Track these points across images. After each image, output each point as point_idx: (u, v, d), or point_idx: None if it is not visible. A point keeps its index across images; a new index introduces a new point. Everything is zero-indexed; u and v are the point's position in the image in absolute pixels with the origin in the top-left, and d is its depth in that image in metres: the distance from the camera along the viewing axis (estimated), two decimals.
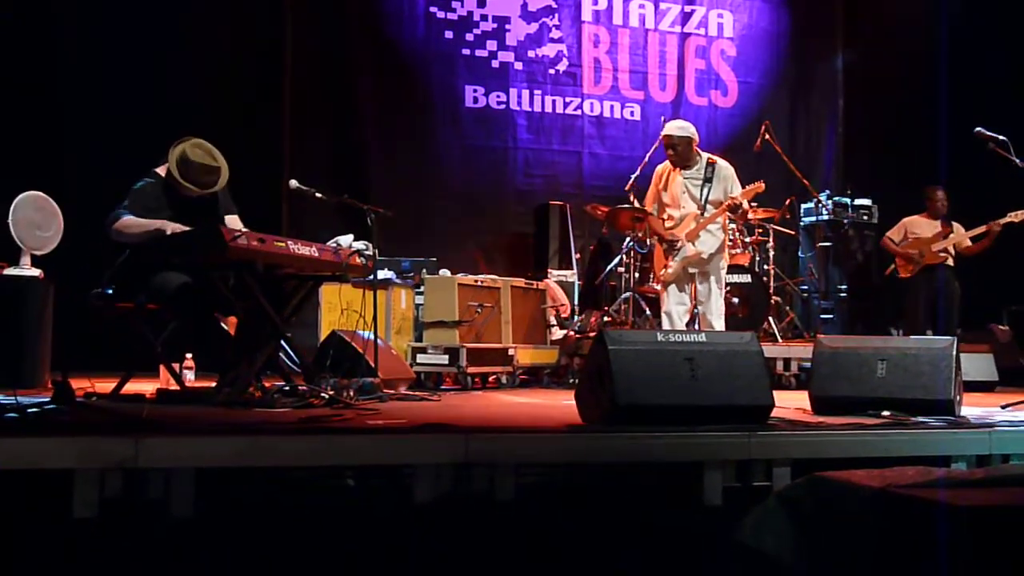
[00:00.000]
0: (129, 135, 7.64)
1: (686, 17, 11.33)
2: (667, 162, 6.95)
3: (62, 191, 6.75)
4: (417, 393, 5.96)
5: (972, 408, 5.06)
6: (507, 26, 10.61)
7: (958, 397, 4.73)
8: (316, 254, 5.15)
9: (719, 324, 6.77)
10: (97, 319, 5.21)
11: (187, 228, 4.90)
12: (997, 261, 8.63)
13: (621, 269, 8.61)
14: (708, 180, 6.81)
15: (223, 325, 5.54)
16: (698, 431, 3.91)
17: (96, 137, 8.29)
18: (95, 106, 8.50)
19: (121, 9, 8.73)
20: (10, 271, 6.17)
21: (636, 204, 7.95)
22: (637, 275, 8.30)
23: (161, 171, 5.25)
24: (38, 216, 6.34)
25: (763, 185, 6.87)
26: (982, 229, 8.39)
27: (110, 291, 5.19)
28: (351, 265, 5.38)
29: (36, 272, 6.23)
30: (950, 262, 8.64)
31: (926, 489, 2.84)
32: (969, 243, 8.54)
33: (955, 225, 8.67)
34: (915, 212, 8.92)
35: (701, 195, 6.81)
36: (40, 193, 6.40)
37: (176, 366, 5.57)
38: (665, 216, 6.95)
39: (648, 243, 8.11)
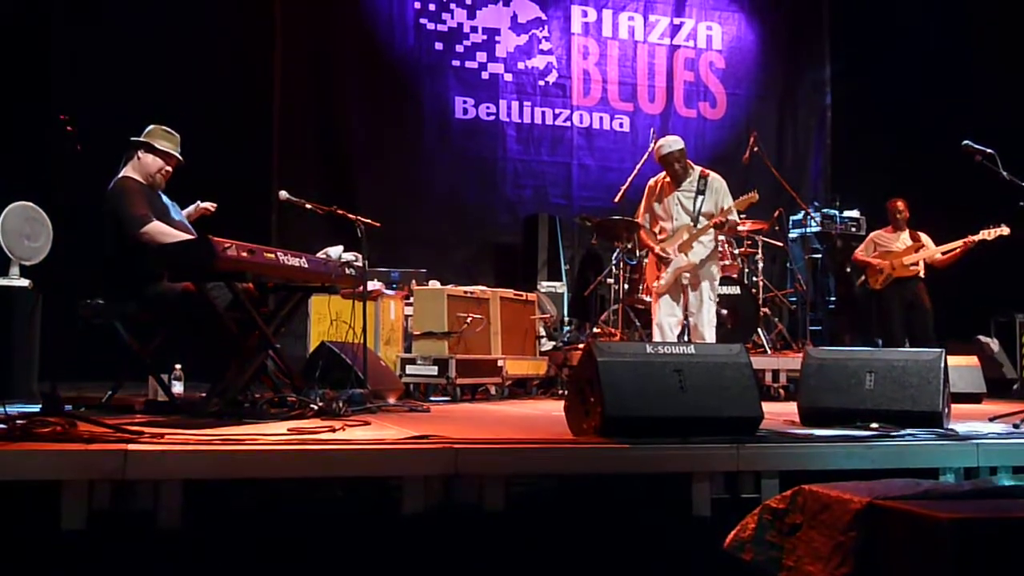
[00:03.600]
0: (118, 146, 7.62)
1: (675, 29, 11.39)
2: (660, 174, 7.02)
3: (51, 201, 6.73)
4: (406, 404, 5.95)
5: (960, 420, 5.07)
6: (497, 38, 10.65)
7: (946, 409, 4.75)
8: (306, 265, 5.14)
9: (710, 334, 6.79)
10: (86, 329, 5.19)
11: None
12: (983, 272, 8.66)
13: (610, 280, 8.63)
14: (701, 192, 6.86)
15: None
16: (687, 443, 3.92)
17: (85, 146, 8.26)
18: (84, 115, 8.47)
19: (113, 22, 8.74)
20: None
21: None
22: (626, 286, 8.32)
23: (131, 174, 5.28)
24: (27, 226, 6.32)
25: (756, 195, 6.92)
26: (955, 245, 8.43)
27: (100, 301, 5.18)
28: (341, 276, 5.38)
29: (25, 282, 6.21)
30: (921, 274, 8.68)
31: (913, 501, 2.85)
32: (940, 256, 8.59)
33: (924, 237, 8.72)
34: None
35: (694, 207, 6.85)
36: (29, 203, 6.38)
37: (165, 377, 5.55)
38: (658, 229, 6.99)
39: (637, 254, 8.13)
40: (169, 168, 5.37)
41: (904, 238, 8.76)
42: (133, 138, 5.36)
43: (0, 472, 3.21)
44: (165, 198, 5.48)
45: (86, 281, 5.30)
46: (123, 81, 8.61)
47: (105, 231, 5.14)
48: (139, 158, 5.33)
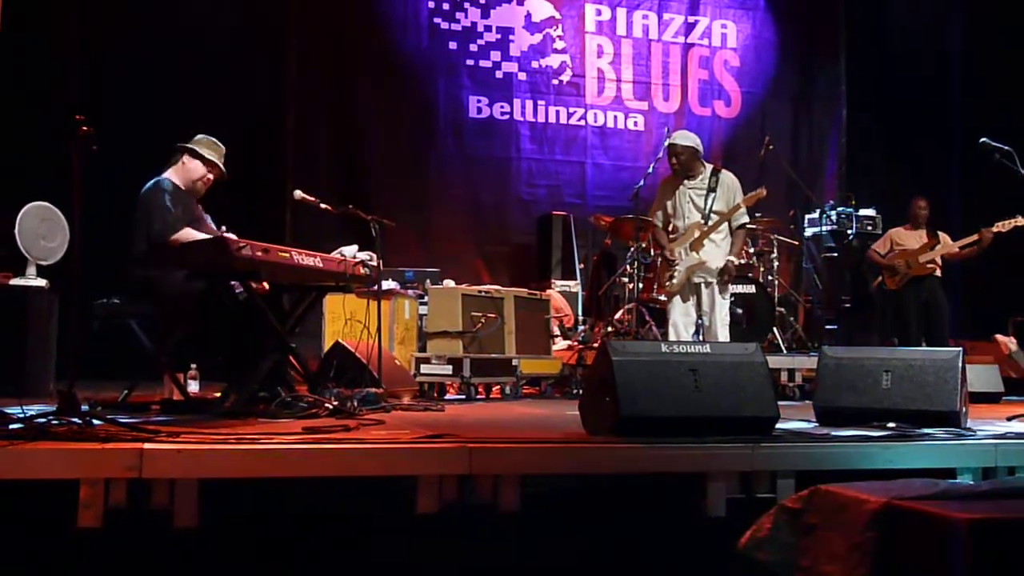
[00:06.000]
0: (133, 145, 7.65)
1: (689, 28, 11.36)
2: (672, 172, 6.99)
3: (68, 201, 6.75)
4: (421, 403, 5.96)
5: (978, 420, 5.04)
6: (511, 37, 10.64)
7: (964, 409, 4.71)
8: (320, 264, 5.15)
9: (723, 334, 6.77)
10: (103, 329, 5.21)
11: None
12: (1002, 271, 8.62)
13: (624, 279, 8.61)
14: (712, 190, 6.83)
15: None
16: (702, 442, 3.91)
17: (101, 146, 8.29)
18: (100, 115, 8.49)
19: (128, 21, 8.77)
20: (15, 281, 6.18)
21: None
22: (640, 285, 8.30)
23: (172, 177, 5.31)
24: (43, 227, 6.35)
25: (764, 191, 6.89)
26: (971, 239, 8.39)
27: (116, 301, 5.20)
28: (355, 275, 5.38)
29: (41, 282, 6.24)
30: (938, 273, 8.62)
31: (931, 502, 2.84)
32: (957, 250, 8.54)
33: (942, 235, 8.66)
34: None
35: (705, 205, 6.82)
36: (46, 203, 6.41)
37: (180, 376, 5.57)
38: (671, 227, 6.97)
39: (651, 253, 8.12)
40: (211, 177, 5.41)
41: (921, 236, 8.71)
42: (180, 143, 5.37)
43: (17, 471, 3.23)
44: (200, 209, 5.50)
45: (103, 281, 5.32)
46: (139, 81, 8.64)
47: (135, 229, 5.17)
48: (184, 163, 5.38)
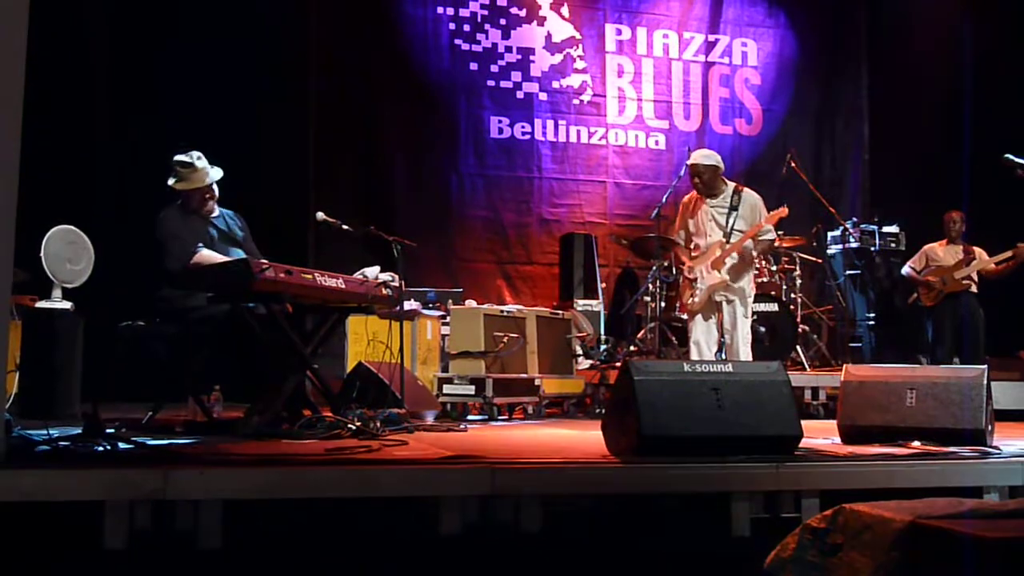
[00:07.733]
0: (158, 168, 7.72)
1: (710, 46, 11.36)
2: (694, 191, 6.98)
3: (93, 224, 6.82)
4: (443, 424, 5.96)
5: (1004, 438, 5.00)
6: (531, 57, 10.68)
7: (989, 427, 4.68)
8: (343, 286, 5.18)
9: (745, 352, 6.74)
10: (127, 351, 5.25)
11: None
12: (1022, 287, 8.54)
13: (647, 298, 8.61)
14: (734, 208, 6.82)
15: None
16: (725, 462, 3.90)
17: (127, 170, 8.38)
18: (126, 139, 8.60)
19: (152, 45, 8.86)
20: (41, 304, 6.24)
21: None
22: (663, 304, 8.29)
23: (180, 204, 5.37)
24: (69, 250, 6.41)
25: (787, 210, 6.88)
26: (1007, 255, 8.32)
27: (141, 323, 5.24)
28: (377, 296, 5.40)
29: (67, 305, 6.29)
30: (973, 289, 8.54)
31: (956, 521, 2.81)
32: (993, 266, 8.47)
33: (977, 250, 8.59)
34: (938, 238, 8.87)
35: (727, 223, 6.81)
36: (71, 227, 6.47)
37: (204, 398, 5.60)
38: (692, 245, 6.96)
39: (673, 272, 8.11)
40: (204, 196, 5.41)
41: (957, 251, 8.64)
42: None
43: (44, 492, 3.26)
44: (223, 216, 5.52)
45: (127, 303, 5.37)
46: (164, 106, 8.72)
47: (154, 256, 5.22)
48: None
